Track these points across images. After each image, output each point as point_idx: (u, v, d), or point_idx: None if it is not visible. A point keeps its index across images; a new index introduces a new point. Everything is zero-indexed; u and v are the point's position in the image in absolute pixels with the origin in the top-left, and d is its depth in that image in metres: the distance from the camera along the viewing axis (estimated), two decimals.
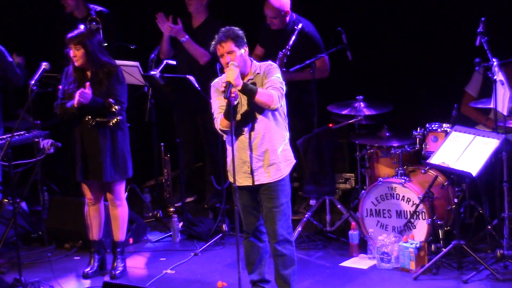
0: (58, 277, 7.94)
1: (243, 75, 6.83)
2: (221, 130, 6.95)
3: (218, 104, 6.98)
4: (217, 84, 6.95)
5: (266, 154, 6.91)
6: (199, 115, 9.35)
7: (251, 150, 6.91)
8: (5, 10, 10.03)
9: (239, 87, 6.67)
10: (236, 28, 6.89)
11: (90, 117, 7.68)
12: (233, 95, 6.70)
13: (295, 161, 7.11)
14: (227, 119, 6.83)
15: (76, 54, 7.69)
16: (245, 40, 6.88)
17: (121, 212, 8.04)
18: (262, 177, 6.93)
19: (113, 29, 9.42)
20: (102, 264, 8.18)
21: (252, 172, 6.94)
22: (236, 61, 6.74)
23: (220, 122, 6.92)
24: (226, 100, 6.72)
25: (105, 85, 7.72)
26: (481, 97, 8.61)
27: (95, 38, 7.80)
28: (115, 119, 7.72)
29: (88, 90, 7.51)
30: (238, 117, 6.90)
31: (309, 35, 8.90)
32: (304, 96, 8.90)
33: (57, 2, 9.68)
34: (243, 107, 6.91)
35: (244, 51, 6.85)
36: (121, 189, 8.02)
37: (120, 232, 8.10)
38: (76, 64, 7.73)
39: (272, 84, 6.81)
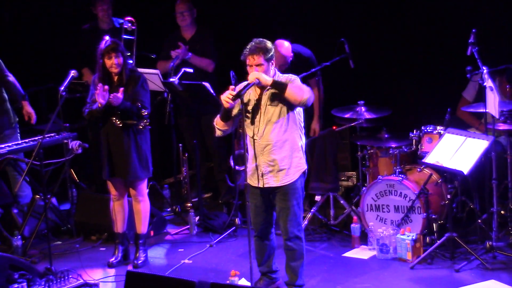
0: (85, 266, 7.94)
1: (266, 85, 6.76)
2: (217, 129, 6.95)
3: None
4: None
5: (275, 161, 6.86)
6: (204, 119, 9.35)
7: (262, 155, 6.90)
8: (39, 24, 10.06)
9: (270, 82, 6.61)
10: (267, 41, 6.81)
11: (115, 118, 7.71)
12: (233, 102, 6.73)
13: (306, 167, 7.05)
14: (223, 119, 6.85)
15: (118, 62, 7.70)
16: (273, 53, 6.84)
17: (143, 207, 8.07)
18: (271, 181, 6.91)
19: (135, 41, 9.43)
20: (126, 255, 8.21)
21: (262, 176, 6.94)
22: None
23: (215, 120, 6.94)
24: (230, 101, 6.71)
25: (130, 90, 7.75)
26: (477, 101, 8.62)
27: (124, 47, 7.84)
28: (144, 122, 7.77)
29: (120, 95, 7.54)
30: (254, 123, 6.88)
31: (310, 60, 8.90)
32: None
33: (86, 15, 9.66)
34: (258, 115, 6.87)
35: (271, 64, 6.80)
36: (144, 186, 8.05)
37: (142, 225, 8.12)
38: (114, 71, 7.73)
39: (299, 84, 6.79)
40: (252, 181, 6.98)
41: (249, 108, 6.87)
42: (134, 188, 7.97)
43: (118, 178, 7.92)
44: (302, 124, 7.00)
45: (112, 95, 7.52)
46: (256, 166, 6.92)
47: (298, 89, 6.69)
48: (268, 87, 6.78)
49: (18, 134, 8.97)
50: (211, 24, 9.78)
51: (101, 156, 7.94)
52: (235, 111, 6.88)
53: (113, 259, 8.11)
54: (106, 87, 7.53)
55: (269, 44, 6.79)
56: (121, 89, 7.59)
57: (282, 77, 6.87)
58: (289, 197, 6.93)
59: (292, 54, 8.74)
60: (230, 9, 10.20)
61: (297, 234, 7.01)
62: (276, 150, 6.86)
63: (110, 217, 8.16)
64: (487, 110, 7.85)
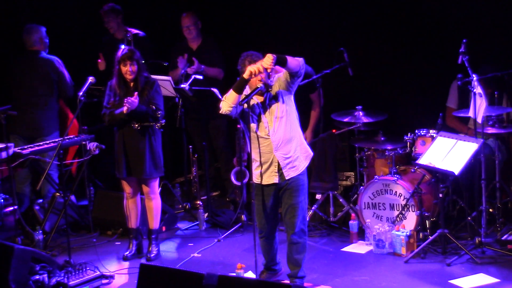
0: (102, 259, 7.96)
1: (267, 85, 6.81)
2: (225, 105, 6.80)
3: None
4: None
5: (291, 152, 6.91)
6: (211, 122, 9.36)
7: (277, 151, 6.91)
8: (61, 32, 10.08)
9: (272, 57, 6.55)
10: (256, 52, 6.91)
11: (134, 122, 7.72)
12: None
13: (312, 153, 7.13)
14: (236, 91, 6.72)
15: (133, 69, 7.72)
16: None
17: (155, 204, 8.08)
18: (291, 172, 6.93)
19: (148, 49, 9.44)
20: (139, 249, 8.22)
21: (280, 170, 6.94)
22: (264, 77, 6.74)
23: (224, 97, 6.84)
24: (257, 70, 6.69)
25: (146, 95, 7.76)
26: (461, 106, 8.64)
27: (140, 55, 7.83)
28: (160, 123, 7.79)
29: (135, 99, 7.56)
30: (265, 124, 6.89)
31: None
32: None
33: (101, 27, 9.70)
34: (266, 116, 6.89)
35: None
36: (156, 185, 8.06)
37: (154, 221, 8.13)
38: (129, 78, 7.75)
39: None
40: (270, 178, 6.97)
41: (256, 112, 6.91)
42: (147, 186, 7.98)
43: (133, 177, 7.94)
44: (297, 110, 7.05)
45: (126, 99, 7.55)
46: (270, 164, 6.93)
47: (293, 59, 6.70)
48: (268, 91, 6.83)
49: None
50: (216, 33, 9.78)
51: (116, 156, 7.95)
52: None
53: (128, 252, 8.13)
54: (135, 93, 7.57)
55: (260, 54, 6.86)
56: (136, 93, 7.62)
57: (275, 78, 6.92)
58: (299, 193, 6.97)
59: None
60: (233, 19, 10.20)
61: (303, 228, 7.05)
62: (289, 142, 6.92)
63: (124, 214, 8.17)
64: (469, 115, 7.88)
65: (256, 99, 6.88)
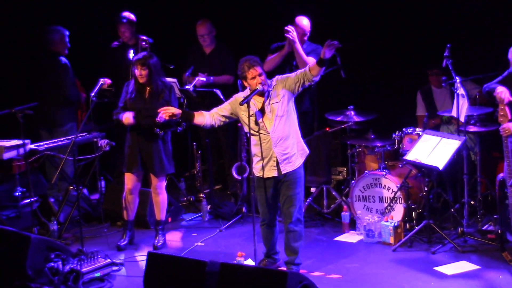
0: (112, 248, 8.02)
1: (266, 90, 6.87)
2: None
3: (222, 107, 7.16)
4: (238, 98, 7.02)
5: (288, 149, 6.95)
6: None
7: (276, 146, 6.95)
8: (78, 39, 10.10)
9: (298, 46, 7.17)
10: (254, 56, 6.96)
11: (155, 128, 7.76)
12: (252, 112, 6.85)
13: (308, 151, 7.16)
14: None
15: (141, 73, 7.70)
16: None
17: (162, 198, 8.08)
18: (288, 167, 6.97)
19: (155, 53, 9.42)
20: (132, 240, 8.20)
21: (278, 165, 6.98)
22: (264, 80, 6.84)
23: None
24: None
25: (162, 98, 7.73)
26: (428, 110, 8.69)
27: (155, 61, 7.78)
28: (182, 126, 7.86)
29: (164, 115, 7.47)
30: (266, 122, 6.94)
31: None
32: (307, 106, 8.92)
33: (114, 34, 9.68)
34: (267, 114, 6.94)
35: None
36: (164, 180, 8.08)
37: (161, 214, 8.14)
38: (140, 81, 7.73)
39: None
40: (270, 172, 7.00)
41: (257, 111, 6.96)
42: (156, 182, 8.00)
43: (137, 172, 7.93)
44: (296, 113, 7.10)
45: (160, 116, 7.45)
46: (270, 158, 6.96)
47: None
48: (268, 91, 6.88)
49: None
50: (221, 37, 9.79)
51: (127, 151, 7.93)
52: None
53: (122, 242, 8.10)
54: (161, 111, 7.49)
55: (257, 58, 6.94)
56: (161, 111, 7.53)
57: (275, 80, 6.98)
58: (296, 185, 7.00)
59: (310, 29, 8.70)
60: (231, 20, 10.17)
61: (300, 217, 7.09)
62: (288, 140, 6.96)
63: (122, 206, 8.15)
64: (453, 114, 7.90)
65: (258, 99, 6.95)
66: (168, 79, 8.92)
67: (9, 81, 9.57)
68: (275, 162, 6.96)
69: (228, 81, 9.33)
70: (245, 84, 6.95)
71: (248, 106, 6.83)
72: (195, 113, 7.19)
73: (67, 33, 9.11)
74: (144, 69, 7.68)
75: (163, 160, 7.87)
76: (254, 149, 7.01)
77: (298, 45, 8.47)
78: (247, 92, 6.99)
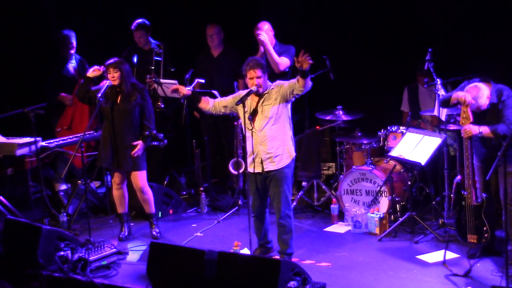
0: (117, 238, 8.04)
1: (262, 93, 6.90)
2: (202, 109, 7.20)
3: (226, 99, 7.17)
4: (240, 94, 7.03)
5: (272, 149, 6.95)
6: (221, 121, 9.37)
7: (261, 145, 6.98)
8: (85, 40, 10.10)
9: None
10: (261, 59, 7.00)
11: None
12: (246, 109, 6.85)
13: (295, 154, 7.12)
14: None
15: (114, 76, 7.65)
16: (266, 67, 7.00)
17: (148, 195, 8.03)
18: (270, 166, 6.98)
19: (167, 57, 9.41)
20: (130, 230, 8.19)
21: (261, 162, 7.01)
22: (261, 83, 6.87)
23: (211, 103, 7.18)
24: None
25: (134, 100, 7.70)
26: (411, 108, 8.72)
27: (126, 66, 7.76)
28: (163, 143, 7.91)
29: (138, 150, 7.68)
30: (255, 120, 6.97)
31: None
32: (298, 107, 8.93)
33: (131, 40, 9.67)
34: (258, 114, 6.97)
35: (266, 75, 6.94)
36: (145, 179, 7.98)
37: (150, 208, 8.06)
38: (113, 83, 7.67)
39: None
40: (252, 168, 7.03)
41: (251, 109, 6.98)
42: (137, 183, 7.92)
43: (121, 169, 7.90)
44: (291, 117, 7.08)
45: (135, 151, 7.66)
46: (256, 155, 6.98)
47: (310, 82, 6.85)
48: (264, 93, 6.90)
49: None
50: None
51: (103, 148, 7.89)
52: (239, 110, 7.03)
53: (122, 234, 8.09)
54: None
55: (263, 61, 6.94)
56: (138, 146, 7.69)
57: (274, 84, 6.98)
58: (281, 183, 6.98)
59: (273, 32, 8.70)
60: (239, 32, 10.18)
61: (288, 213, 7.06)
62: (272, 141, 6.96)
63: (114, 201, 8.11)
64: (434, 113, 7.92)
65: (253, 98, 6.97)
66: (169, 81, 8.97)
67: (22, 82, 9.55)
68: (260, 159, 7.00)
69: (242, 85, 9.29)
70: (246, 81, 6.99)
71: (244, 105, 6.85)
72: (202, 98, 7.20)
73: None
74: (116, 71, 7.64)
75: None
76: (247, 144, 7.05)
77: (269, 46, 8.47)
78: (243, 92, 7.02)
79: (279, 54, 8.54)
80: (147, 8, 10.33)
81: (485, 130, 6.69)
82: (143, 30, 9.41)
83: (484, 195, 6.71)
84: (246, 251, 7.32)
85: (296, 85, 6.81)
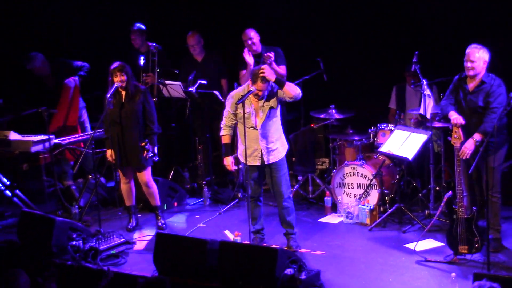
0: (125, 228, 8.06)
1: (270, 80, 6.93)
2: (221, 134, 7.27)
3: (227, 114, 7.19)
4: (235, 95, 7.09)
5: (272, 144, 7.10)
6: (216, 120, 9.35)
7: (262, 141, 7.07)
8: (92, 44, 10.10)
9: (274, 79, 6.85)
10: (264, 66, 7.01)
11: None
12: (247, 111, 6.94)
13: (288, 145, 7.28)
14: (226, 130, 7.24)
15: (122, 79, 7.62)
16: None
17: (153, 189, 8.05)
18: (271, 158, 7.12)
19: (165, 59, 9.41)
20: (138, 221, 8.20)
21: (262, 156, 7.09)
22: (264, 94, 6.97)
23: (222, 130, 7.24)
24: (237, 110, 6.98)
25: (137, 101, 7.69)
26: (398, 106, 8.73)
27: (129, 69, 7.75)
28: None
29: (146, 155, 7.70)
30: (256, 118, 7.05)
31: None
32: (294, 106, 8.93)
33: (129, 42, 9.68)
34: (259, 112, 7.05)
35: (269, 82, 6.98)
36: (149, 174, 7.99)
37: (156, 201, 8.10)
38: (121, 85, 7.66)
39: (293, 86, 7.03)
40: (253, 161, 7.14)
41: (251, 109, 7.05)
42: (143, 178, 7.93)
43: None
44: (281, 115, 7.26)
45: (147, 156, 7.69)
46: (256, 149, 7.10)
47: (293, 86, 6.97)
48: (263, 94, 6.96)
49: None
50: (217, 47, 9.75)
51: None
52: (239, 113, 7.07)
53: (130, 225, 8.10)
54: None
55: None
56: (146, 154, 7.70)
57: (276, 87, 7.04)
58: (281, 168, 7.17)
59: (259, 37, 8.73)
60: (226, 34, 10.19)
61: (289, 195, 7.26)
62: (272, 136, 7.11)
63: (122, 195, 8.14)
64: (420, 112, 7.94)
65: (253, 99, 7.03)
66: (174, 82, 8.97)
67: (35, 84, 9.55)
68: (260, 153, 7.10)
69: (224, 85, 9.31)
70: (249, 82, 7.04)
71: (243, 105, 6.89)
72: (228, 143, 7.29)
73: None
74: (123, 75, 7.63)
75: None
76: (239, 139, 7.18)
77: (275, 65, 8.49)
78: (240, 88, 7.12)
79: (275, 59, 8.55)
80: (147, 9, 10.32)
81: (477, 137, 6.71)
82: (138, 32, 9.42)
83: (474, 208, 6.65)
84: (228, 234, 7.36)
85: (285, 93, 6.96)
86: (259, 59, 8.62)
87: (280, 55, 8.71)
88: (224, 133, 7.25)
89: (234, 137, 7.56)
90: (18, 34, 9.99)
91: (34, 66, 8.89)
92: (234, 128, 7.27)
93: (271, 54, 8.41)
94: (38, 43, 9.72)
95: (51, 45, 9.73)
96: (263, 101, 7.03)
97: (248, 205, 7.15)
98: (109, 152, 7.81)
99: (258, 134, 7.07)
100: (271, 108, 7.03)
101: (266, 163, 7.12)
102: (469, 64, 6.77)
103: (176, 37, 9.98)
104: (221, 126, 7.27)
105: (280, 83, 6.92)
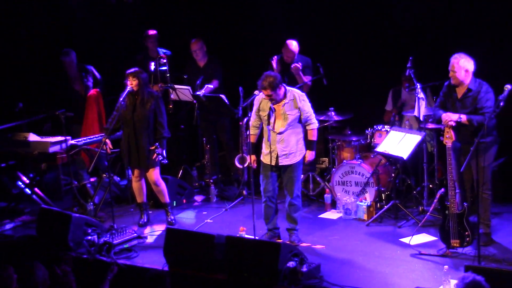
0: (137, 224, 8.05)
1: (281, 101, 7.04)
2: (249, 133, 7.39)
3: (255, 117, 7.31)
4: (259, 97, 7.21)
5: (287, 148, 7.13)
6: (216, 123, 9.35)
7: (279, 143, 7.12)
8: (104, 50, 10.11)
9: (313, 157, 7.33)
10: (272, 76, 6.99)
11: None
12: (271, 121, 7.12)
13: (305, 151, 7.27)
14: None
15: (132, 83, 7.63)
16: (280, 80, 7.02)
17: (161, 187, 8.04)
18: (284, 161, 7.14)
19: (172, 64, 9.43)
20: (149, 217, 8.19)
21: (277, 158, 7.13)
22: (273, 98, 7.03)
23: (249, 130, 7.38)
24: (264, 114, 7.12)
25: (149, 106, 7.67)
26: (394, 106, 8.72)
27: (144, 75, 7.74)
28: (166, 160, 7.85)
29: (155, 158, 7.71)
30: (275, 122, 7.13)
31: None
32: None
33: (140, 47, 9.68)
34: (278, 118, 7.13)
35: (279, 89, 7.00)
36: (158, 173, 7.97)
37: (165, 198, 8.09)
38: (132, 88, 7.65)
39: (311, 119, 7.21)
40: (268, 160, 7.20)
41: (271, 112, 7.14)
42: (151, 177, 7.92)
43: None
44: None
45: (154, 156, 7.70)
46: (272, 151, 7.15)
47: (315, 137, 7.31)
48: (285, 102, 7.09)
49: None
50: (222, 52, 9.74)
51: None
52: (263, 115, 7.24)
53: (142, 220, 8.08)
54: None
55: (273, 78, 6.97)
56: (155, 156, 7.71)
57: (293, 92, 7.14)
58: (294, 171, 7.20)
59: (298, 49, 8.78)
60: (232, 41, 10.19)
61: (298, 194, 7.28)
62: (290, 141, 7.13)
63: (133, 192, 8.14)
64: (414, 114, 7.94)
65: (272, 105, 7.13)
66: (183, 87, 8.98)
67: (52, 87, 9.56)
68: (276, 155, 7.12)
69: (215, 86, 9.27)
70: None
71: (259, 109, 7.14)
72: (253, 143, 7.41)
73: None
74: (134, 79, 7.62)
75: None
76: (264, 140, 7.24)
77: (301, 73, 8.63)
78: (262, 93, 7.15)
79: (302, 69, 8.68)
80: (154, 13, 10.31)
81: (463, 117, 6.73)
82: (152, 39, 9.44)
83: (466, 204, 6.65)
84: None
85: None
86: (288, 66, 8.75)
87: (308, 65, 8.80)
88: (250, 132, 7.41)
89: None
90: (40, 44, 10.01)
91: (65, 60, 8.99)
92: (260, 128, 7.34)
93: (299, 65, 8.58)
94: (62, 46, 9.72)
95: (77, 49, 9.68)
96: (284, 107, 7.09)
97: (253, 201, 7.15)
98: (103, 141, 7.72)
99: (276, 137, 7.12)
100: (292, 116, 7.10)
101: (279, 164, 7.14)
102: (451, 73, 6.81)
103: (179, 41, 10.00)
104: (249, 124, 7.44)
105: (310, 145, 7.25)
